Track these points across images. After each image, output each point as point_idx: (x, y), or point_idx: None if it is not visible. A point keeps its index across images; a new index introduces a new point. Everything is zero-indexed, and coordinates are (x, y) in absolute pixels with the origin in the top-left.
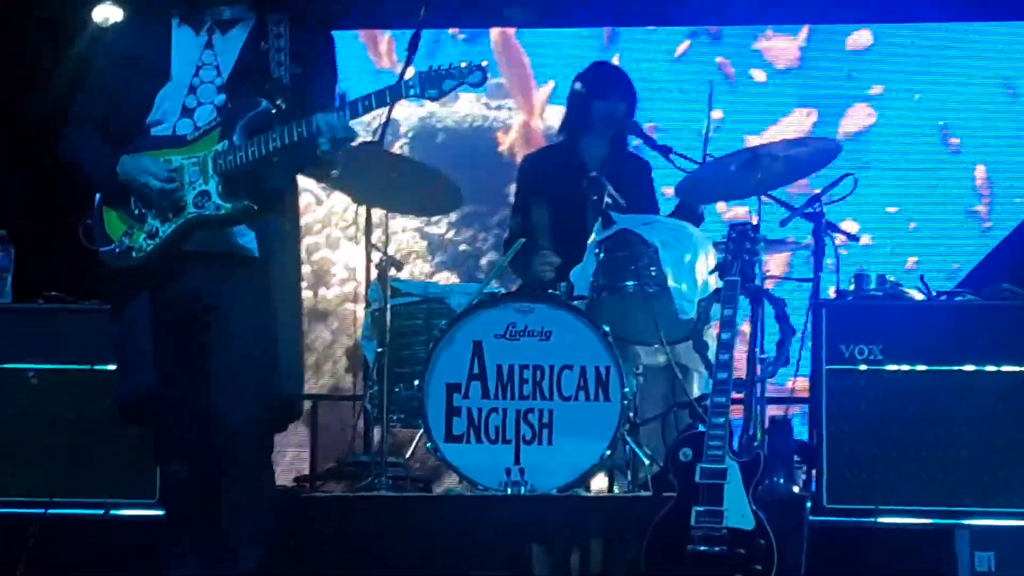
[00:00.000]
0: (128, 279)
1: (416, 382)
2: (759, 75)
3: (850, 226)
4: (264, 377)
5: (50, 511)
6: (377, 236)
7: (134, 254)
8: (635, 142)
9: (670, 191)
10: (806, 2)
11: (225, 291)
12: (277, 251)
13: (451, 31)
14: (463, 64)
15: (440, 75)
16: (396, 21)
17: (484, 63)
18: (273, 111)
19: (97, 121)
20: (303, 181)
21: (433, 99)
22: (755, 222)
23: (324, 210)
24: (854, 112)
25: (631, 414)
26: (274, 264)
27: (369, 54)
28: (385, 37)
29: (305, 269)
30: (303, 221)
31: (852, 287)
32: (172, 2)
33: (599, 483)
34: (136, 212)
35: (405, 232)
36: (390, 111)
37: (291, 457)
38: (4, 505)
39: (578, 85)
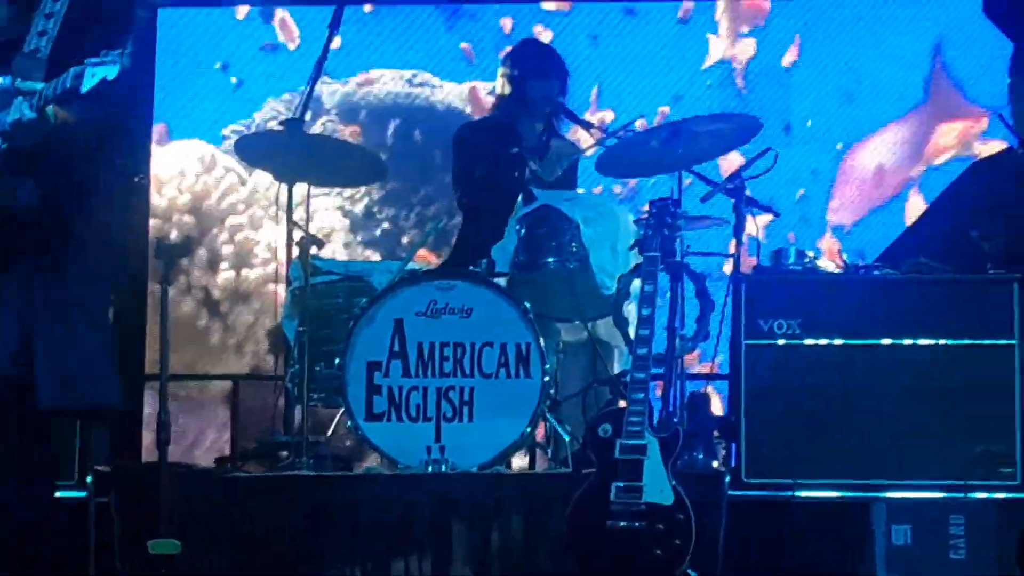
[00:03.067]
0: None
1: (337, 361)
2: None
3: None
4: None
5: None
6: (299, 215)
7: None
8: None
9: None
10: None
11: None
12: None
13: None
14: (103, 54)
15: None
16: None
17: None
18: (12, 87)
19: None
20: (226, 160)
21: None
22: (677, 199)
23: (247, 190)
24: None
25: (552, 391)
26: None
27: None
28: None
29: (228, 250)
30: (226, 201)
31: (772, 263)
32: None
33: (520, 460)
34: None
35: (327, 211)
36: (311, 89)
37: (212, 438)
38: None
39: (513, 64)
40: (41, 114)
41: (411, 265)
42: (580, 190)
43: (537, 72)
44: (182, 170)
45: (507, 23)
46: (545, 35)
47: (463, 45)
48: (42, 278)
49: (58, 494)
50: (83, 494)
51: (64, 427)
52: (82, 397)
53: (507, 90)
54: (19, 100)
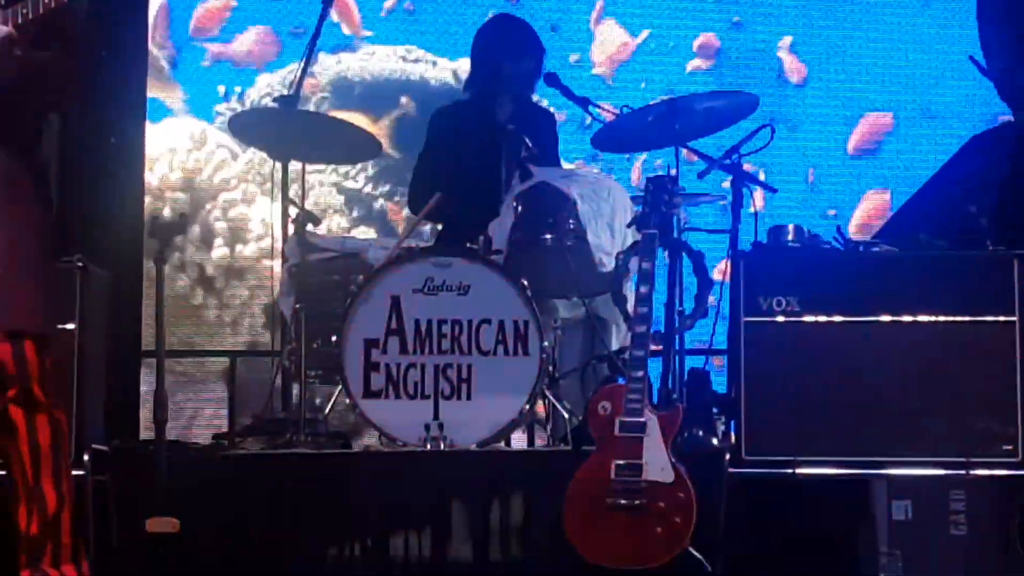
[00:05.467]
0: None
1: (334, 338)
2: None
3: None
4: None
5: None
6: (294, 191)
7: None
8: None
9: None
10: None
11: None
12: None
13: None
14: None
15: None
16: None
17: None
18: None
19: None
20: (218, 136)
21: None
22: (673, 174)
23: (240, 165)
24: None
25: (550, 368)
26: None
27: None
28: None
29: (222, 226)
30: (219, 176)
31: (770, 239)
32: None
33: (519, 437)
34: None
35: (323, 187)
36: (305, 65)
37: (209, 414)
38: None
39: (485, 43)
40: None
41: (407, 242)
42: (574, 165)
43: (513, 52)
44: (173, 147)
45: None
46: None
47: None
48: None
49: None
50: (80, 472)
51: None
52: None
53: (481, 69)
54: None
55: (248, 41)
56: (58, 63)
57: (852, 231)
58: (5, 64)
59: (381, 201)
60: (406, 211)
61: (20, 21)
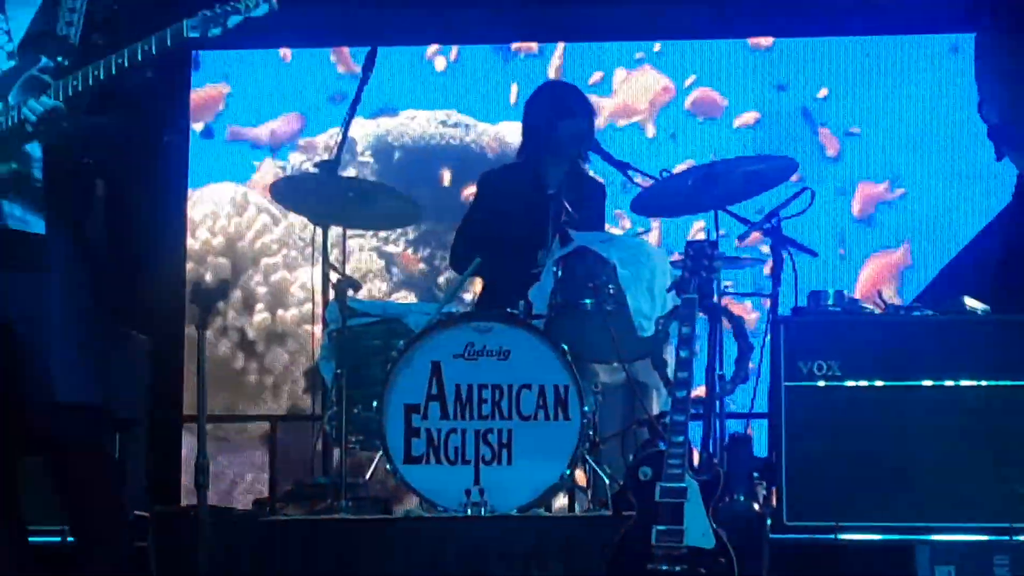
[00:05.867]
0: None
1: (375, 403)
2: None
3: None
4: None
5: None
6: (334, 256)
7: None
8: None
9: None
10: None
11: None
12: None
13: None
14: None
15: (223, 12)
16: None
17: None
18: (53, 66)
19: None
20: (259, 200)
21: (217, 36)
22: (713, 238)
23: (281, 230)
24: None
25: (590, 432)
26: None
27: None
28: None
29: (263, 290)
30: (260, 241)
31: (810, 303)
32: None
33: (559, 502)
34: None
35: (363, 251)
36: (345, 131)
37: (250, 479)
38: None
39: (536, 107)
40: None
41: (448, 307)
42: (615, 229)
43: (567, 112)
44: (215, 212)
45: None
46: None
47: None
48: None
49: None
50: None
51: None
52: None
53: (533, 131)
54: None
55: (276, 123)
56: (115, 128)
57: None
58: (52, 133)
59: (421, 265)
60: (447, 274)
61: (70, 93)
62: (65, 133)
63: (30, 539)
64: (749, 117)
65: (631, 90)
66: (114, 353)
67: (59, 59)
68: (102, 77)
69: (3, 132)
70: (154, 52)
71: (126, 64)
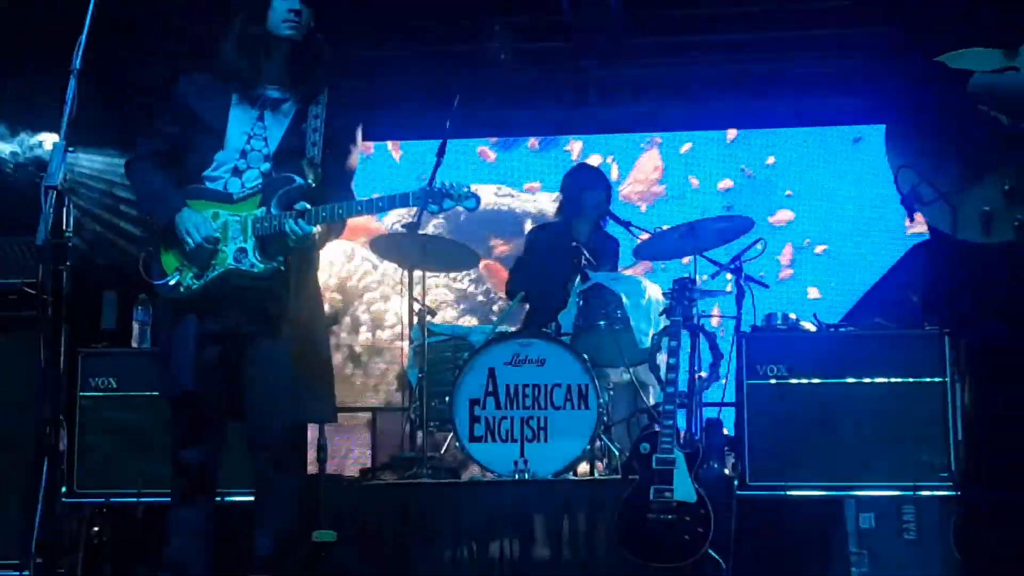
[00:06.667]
0: (178, 304)
1: (447, 398)
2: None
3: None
4: (284, 397)
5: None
6: (417, 291)
7: (182, 289)
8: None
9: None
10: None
11: (262, 328)
12: (306, 294)
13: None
14: (464, 189)
15: (442, 193)
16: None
17: (477, 193)
18: (305, 186)
19: (162, 157)
20: (363, 252)
21: (433, 212)
22: (693, 277)
23: (379, 274)
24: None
25: (604, 418)
26: (303, 304)
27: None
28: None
29: (365, 317)
30: (363, 281)
31: (764, 323)
32: (232, 78)
33: (583, 469)
34: (188, 253)
35: (438, 288)
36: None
37: (357, 454)
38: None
39: (569, 181)
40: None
41: (500, 327)
42: (627, 271)
43: (591, 185)
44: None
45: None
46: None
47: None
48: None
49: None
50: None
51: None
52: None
53: (567, 199)
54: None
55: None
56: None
57: None
58: (305, 248)
59: (480, 297)
60: (499, 304)
61: (319, 221)
62: (311, 246)
63: (226, 499)
64: (727, 183)
65: (641, 169)
66: None
67: (310, 181)
68: (344, 215)
69: (267, 235)
70: (386, 210)
71: (363, 212)
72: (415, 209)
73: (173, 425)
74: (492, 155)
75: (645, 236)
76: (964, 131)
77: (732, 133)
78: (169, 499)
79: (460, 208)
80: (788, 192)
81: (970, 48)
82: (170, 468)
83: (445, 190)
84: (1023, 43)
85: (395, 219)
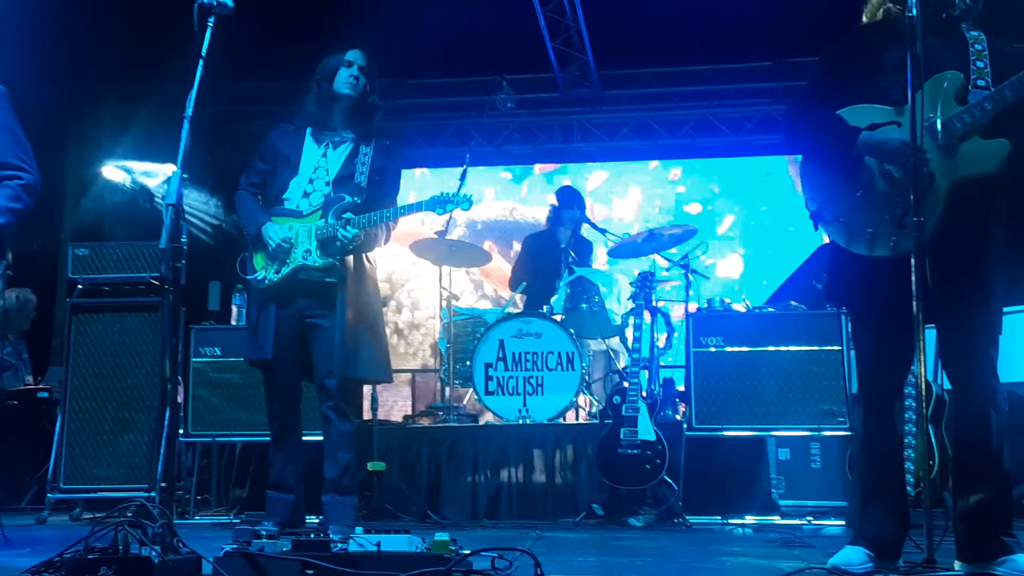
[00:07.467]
0: (263, 293)
1: (468, 362)
2: None
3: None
4: (339, 361)
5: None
6: (445, 282)
7: (266, 282)
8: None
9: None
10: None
11: (323, 311)
12: (358, 284)
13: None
14: (459, 195)
15: (445, 200)
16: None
17: (471, 195)
18: (352, 203)
19: (257, 187)
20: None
21: (439, 214)
22: (652, 270)
23: (417, 268)
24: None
25: (586, 378)
26: (356, 292)
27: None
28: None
29: (406, 300)
30: (405, 274)
31: (706, 306)
32: (308, 124)
33: (570, 415)
34: (270, 253)
35: (461, 279)
36: (450, 217)
37: (400, 405)
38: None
39: (554, 200)
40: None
41: (507, 310)
42: (598, 266)
43: (569, 204)
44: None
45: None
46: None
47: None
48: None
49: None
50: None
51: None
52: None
53: (553, 213)
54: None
55: None
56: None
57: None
58: (352, 248)
59: (492, 286)
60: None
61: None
62: (359, 247)
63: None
64: (695, 207)
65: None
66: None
67: (357, 199)
68: (377, 220)
69: (325, 239)
70: (407, 214)
71: (389, 219)
72: (446, 218)
73: (265, 385)
74: (507, 175)
75: (616, 241)
76: (856, 178)
77: (677, 172)
78: (257, 439)
79: (459, 209)
80: (730, 216)
81: (869, 105)
82: (257, 417)
83: (447, 197)
84: (907, 103)
85: (432, 227)
